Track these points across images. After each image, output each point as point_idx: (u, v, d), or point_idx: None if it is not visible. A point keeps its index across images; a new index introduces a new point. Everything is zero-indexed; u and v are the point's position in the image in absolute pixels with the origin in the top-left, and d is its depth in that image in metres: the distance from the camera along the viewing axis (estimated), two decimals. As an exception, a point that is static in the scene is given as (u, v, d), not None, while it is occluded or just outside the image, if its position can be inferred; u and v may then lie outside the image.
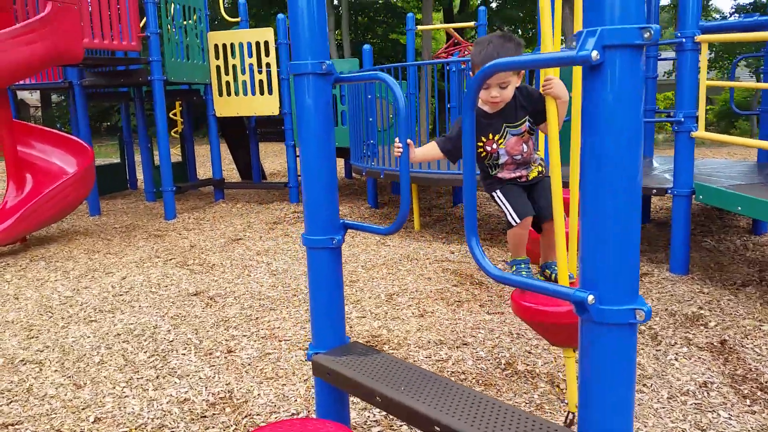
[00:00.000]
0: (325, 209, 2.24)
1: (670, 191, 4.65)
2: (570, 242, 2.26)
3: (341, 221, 2.30)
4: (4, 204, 6.46)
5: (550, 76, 2.07)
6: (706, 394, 2.83)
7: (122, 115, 10.42)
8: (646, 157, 7.00)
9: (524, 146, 2.31)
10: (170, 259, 5.60)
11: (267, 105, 8.49)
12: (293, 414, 2.71)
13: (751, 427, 2.55)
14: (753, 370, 3.06)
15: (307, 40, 2.13)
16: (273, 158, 15.78)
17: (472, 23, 10.16)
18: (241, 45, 8.39)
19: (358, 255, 5.55)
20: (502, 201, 2.40)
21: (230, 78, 8.53)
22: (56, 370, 3.25)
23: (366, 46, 7.96)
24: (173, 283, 4.78)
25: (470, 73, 2.21)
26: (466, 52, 11.42)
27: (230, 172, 12.06)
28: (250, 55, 8.41)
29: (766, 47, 6.57)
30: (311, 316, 2.37)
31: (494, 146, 2.27)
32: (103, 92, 9.60)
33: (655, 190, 4.86)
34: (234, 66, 8.47)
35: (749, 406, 2.72)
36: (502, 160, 2.32)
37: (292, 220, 7.39)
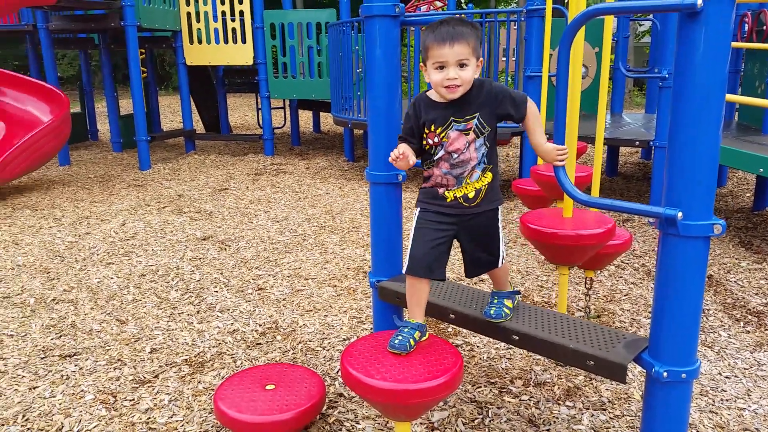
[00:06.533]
0: (391, 148, 2.40)
1: (651, 143, 5.00)
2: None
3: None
4: (-23, 151, 6.25)
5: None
6: (705, 318, 3.19)
7: (82, 62, 10.02)
8: (616, 113, 7.38)
9: (467, 147, 1.91)
10: (163, 207, 5.61)
11: (240, 54, 8.39)
12: (344, 339, 2.91)
13: (748, 344, 2.92)
14: (740, 298, 3.45)
15: (382, -18, 2.25)
16: (235, 110, 15.50)
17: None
18: (214, -9, 8.22)
19: (353, 204, 5.71)
20: (412, 229, 2.01)
21: (201, 25, 8.37)
22: (92, 308, 3.32)
23: (344, -4, 7.95)
24: (178, 229, 4.83)
25: (420, 64, 1.96)
26: (431, 7, 11.51)
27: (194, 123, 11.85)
28: (223, 2, 8.25)
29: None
30: (372, 247, 2.54)
31: (436, 140, 1.92)
32: (62, 38, 9.20)
33: (637, 142, 5.21)
34: (206, 13, 8.30)
35: (743, 327, 3.10)
36: (438, 155, 1.94)
37: (274, 172, 7.44)
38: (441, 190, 1.95)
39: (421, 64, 1.94)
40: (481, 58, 1.89)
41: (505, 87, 1.96)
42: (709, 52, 1.59)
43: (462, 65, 1.83)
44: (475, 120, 1.90)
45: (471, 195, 1.93)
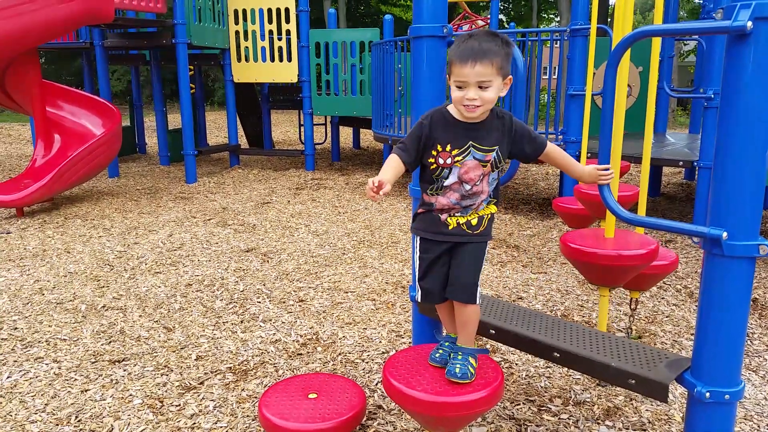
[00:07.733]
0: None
1: (695, 164, 4.92)
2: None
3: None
4: (33, 162, 6.54)
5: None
6: (749, 342, 3.13)
7: (133, 78, 10.39)
8: (659, 133, 7.29)
9: (481, 179, 1.84)
10: (209, 219, 5.76)
11: (286, 72, 8.59)
12: (383, 353, 2.95)
13: (796, 370, 2.85)
14: (788, 323, 3.37)
15: (430, 3, 2.31)
16: (276, 126, 15.81)
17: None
18: (261, 11, 8.45)
19: (391, 219, 5.77)
20: (414, 255, 1.97)
21: (249, 44, 8.60)
22: (140, 316, 3.44)
23: (387, 16, 8.09)
24: (222, 241, 4.96)
25: (447, 76, 1.84)
26: (474, 27, 11.58)
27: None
28: (270, 21, 8.48)
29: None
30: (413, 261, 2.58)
31: (448, 161, 1.81)
32: (115, 54, 9.58)
33: (681, 162, 5.14)
34: (253, 32, 8.54)
35: (790, 353, 3.03)
36: (449, 181, 1.83)
37: (314, 187, 7.57)
38: (444, 217, 1.87)
39: (447, 75, 1.84)
40: (510, 76, 1.81)
41: (526, 126, 1.93)
42: (758, 73, 1.60)
43: (484, 86, 1.74)
44: (494, 153, 1.83)
45: (474, 222, 1.87)
